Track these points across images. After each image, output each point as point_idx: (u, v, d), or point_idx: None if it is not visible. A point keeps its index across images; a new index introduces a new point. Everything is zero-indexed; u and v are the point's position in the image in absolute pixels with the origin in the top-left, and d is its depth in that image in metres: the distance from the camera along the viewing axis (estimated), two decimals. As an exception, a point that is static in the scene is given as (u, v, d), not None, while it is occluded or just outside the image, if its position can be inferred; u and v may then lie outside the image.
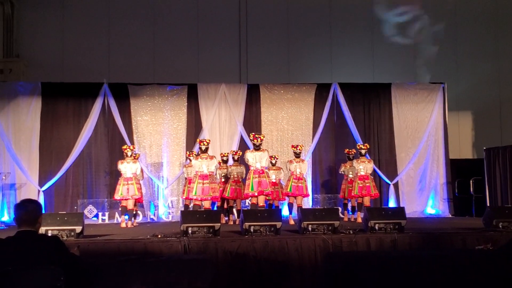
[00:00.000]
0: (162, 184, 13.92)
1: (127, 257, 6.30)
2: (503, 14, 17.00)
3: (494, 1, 17.03)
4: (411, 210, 13.92)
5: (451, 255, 6.54)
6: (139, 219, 12.81)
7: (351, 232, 8.45)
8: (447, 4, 16.90)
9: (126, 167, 11.54)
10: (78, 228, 8.16)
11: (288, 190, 11.71)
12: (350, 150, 12.97)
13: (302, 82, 14.95)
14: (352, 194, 12.22)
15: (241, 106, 14.32)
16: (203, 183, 10.85)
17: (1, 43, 15.56)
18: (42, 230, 7.68)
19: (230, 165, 12.34)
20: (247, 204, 12.18)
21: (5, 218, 12.91)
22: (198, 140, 11.92)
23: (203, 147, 11.15)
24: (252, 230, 8.28)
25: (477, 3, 16.98)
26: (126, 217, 11.42)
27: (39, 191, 13.42)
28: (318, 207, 13.59)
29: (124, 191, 11.35)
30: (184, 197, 11.95)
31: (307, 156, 14.10)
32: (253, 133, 11.48)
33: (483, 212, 9.77)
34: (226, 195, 11.89)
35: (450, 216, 14.21)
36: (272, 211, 9.61)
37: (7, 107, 13.68)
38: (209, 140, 11.61)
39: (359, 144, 12.95)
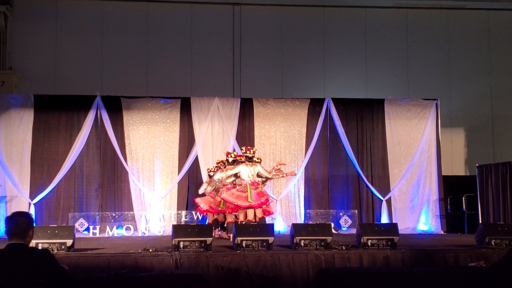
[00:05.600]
0: (154, 198, 13.83)
1: (117, 271, 6.25)
2: (496, 31, 17.10)
3: (486, 19, 17.14)
4: (404, 226, 13.86)
5: (444, 272, 6.52)
6: (130, 233, 12.71)
7: (344, 248, 8.43)
8: (440, 21, 17.00)
9: None
10: (69, 242, 8.09)
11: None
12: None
13: (295, 97, 14.95)
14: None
15: (234, 120, 14.29)
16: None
17: (-6, 56, 15.53)
18: (32, 243, 7.60)
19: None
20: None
21: (-4, 230, 12.81)
22: (225, 152, 12.09)
23: (230, 159, 11.26)
24: (244, 245, 8.25)
25: (470, 20, 17.09)
26: None
27: (30, 204, 13.32)
28: (311, 222, 13.55)
29: None
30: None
31: (299, 171, 14.09)
32: (245, 146, 11.44)
33: (475, 229, 9.75)
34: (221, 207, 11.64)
35: (443, 232, 14.18)
36: (264, 226, 9.56)
37: (-1, 119, 13.63)
38: (236, 153, 11.68)
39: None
